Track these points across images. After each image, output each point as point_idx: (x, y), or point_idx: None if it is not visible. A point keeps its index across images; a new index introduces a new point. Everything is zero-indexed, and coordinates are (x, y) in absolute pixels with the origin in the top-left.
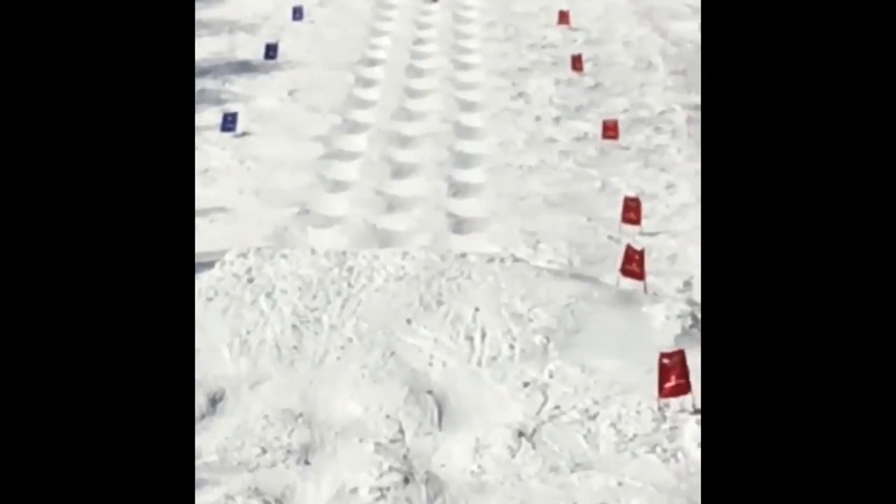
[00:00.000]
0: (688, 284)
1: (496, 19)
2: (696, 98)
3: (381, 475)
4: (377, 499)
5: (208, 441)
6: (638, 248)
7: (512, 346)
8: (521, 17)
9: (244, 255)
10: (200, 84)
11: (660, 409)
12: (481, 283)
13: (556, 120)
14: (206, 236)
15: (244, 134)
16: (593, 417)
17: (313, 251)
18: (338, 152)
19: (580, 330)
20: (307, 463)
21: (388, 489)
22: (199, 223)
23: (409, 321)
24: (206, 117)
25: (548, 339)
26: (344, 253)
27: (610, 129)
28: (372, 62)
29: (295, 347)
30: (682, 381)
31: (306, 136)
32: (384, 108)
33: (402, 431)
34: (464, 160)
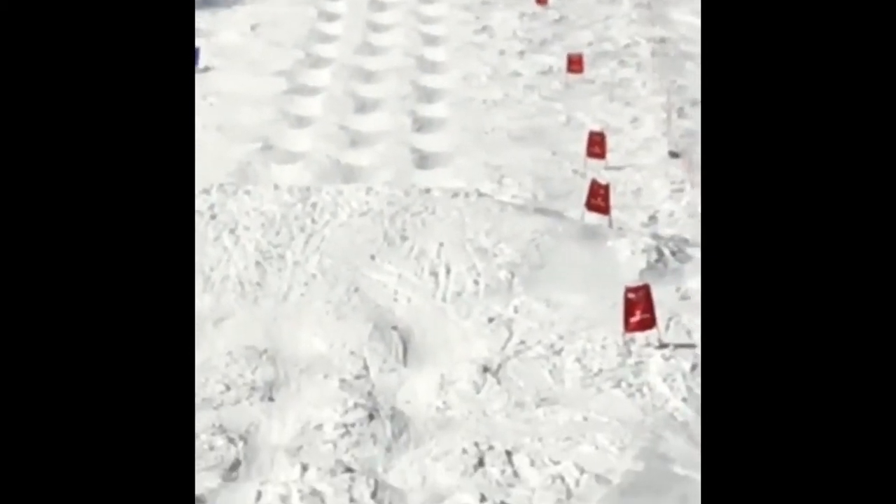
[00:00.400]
0: (653, 218)
1: None
2: (661, 31)
3: (345, 411)
4: (342, 435)
5: None
6: (603, 182)
7: (476, 282)
8: None
9: (207, 192)
10: None
11: (625, 343)
12: (445, 218)
13: (521, 54)
14: None
15: (206, 69)
16: (558, 352)
17: (276, 187)
18: (301, 87)
19: (545, 265)
20: (271, 399)
21: (352, 425)
22: None
23: (373, 257)
24: None
25: (512, 274)
26: (307, 188)
27: (574, 63)
28: None
29: (258, 284)
30: (647, 315)
31: (269, 71)
32: (347, 42)
33: (366, 367)
34: (427, 95)
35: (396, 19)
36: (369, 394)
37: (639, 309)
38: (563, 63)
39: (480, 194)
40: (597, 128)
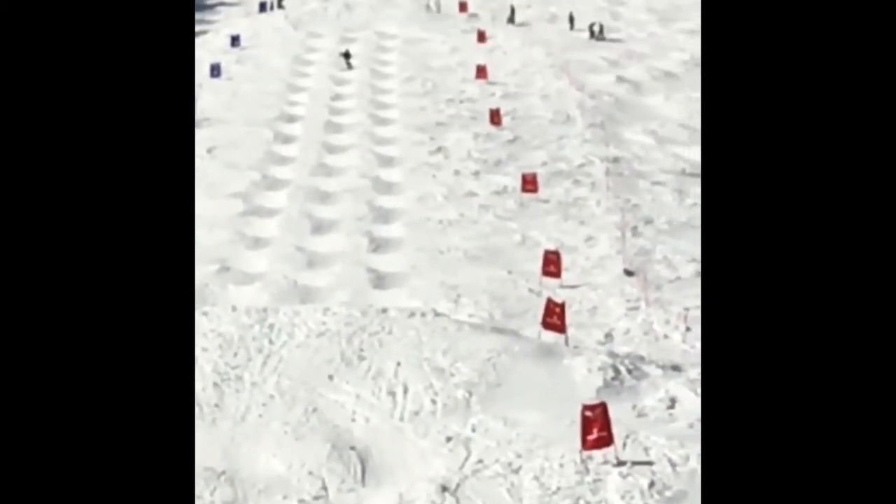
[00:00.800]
0: (608, 336)
1: (414, 74)
2: (614, 151)
3: None
4: None
5: None
6: (558, 300)
7: (434, 401)
8: (439, 71)
9: None
10: None
11: (583, 461)
12: (402, 337)
13: (476, 174)
14: None
15: None
16: (516, 471)
17: (234, 308)
18: (257, 209)
19: (502, 383)
20: None
21: None
22: None
23: (330, 377)
24: None
25: (470, 392)
26: (265, 309)
27: (529, 183)
28: (290, 118)
29: (216, 405)
30: (604, 433)
31: (225, 192)
32: (303, 164)
33: (325, 488)
34: (383, 215)
35: (352, 141)
36: None
37: (596, 427)
38: (518, 183)
39: (437, 314)
40: (552, 247)
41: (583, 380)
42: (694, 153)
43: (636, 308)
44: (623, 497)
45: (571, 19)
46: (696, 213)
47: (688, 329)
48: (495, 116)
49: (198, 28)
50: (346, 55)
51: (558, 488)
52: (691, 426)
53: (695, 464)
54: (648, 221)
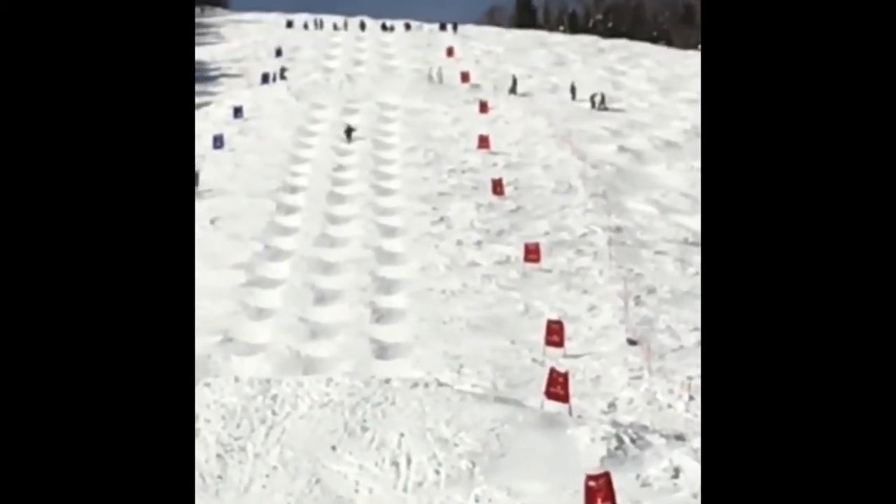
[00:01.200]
0: (612, 406)
1: (416, 144)
2: (617, 220)
3: None
4: None
5: None
6: (562, 370)
7: (438, 471)
8: (441, 141)
9: None
10: None
11: None
12: (406, 408)
13: (478, 244)
14: None
15: None
16: None
17: (237, 379)
18: (260, 279)
19: (506, 453)
20: None
21: None
22: None
23: (334, 448)
24: None
25: (473, 463)
26: (268, 380)
27: (532, 253)
28: (293, 189)
29: (220, 476)
30: (608, 502)
31: (228, 263)
32: (306, 234)
33: None
34: (386, 286)
35: (354, 211)
36: None
37: (600, 497)
38: (521, 253)
39: (440, 384)
40: (555, 316)
41: (586, 449)
42: (696, 222)
43: (639, 377)
44: None
45: (573, 89)
46: (698, 282)
47: (691, 398)
48: (498, 186)
49: (200, 99)
50: (349, 131)
51: None
52: (695, 496)
53: None
54: (651, 291)
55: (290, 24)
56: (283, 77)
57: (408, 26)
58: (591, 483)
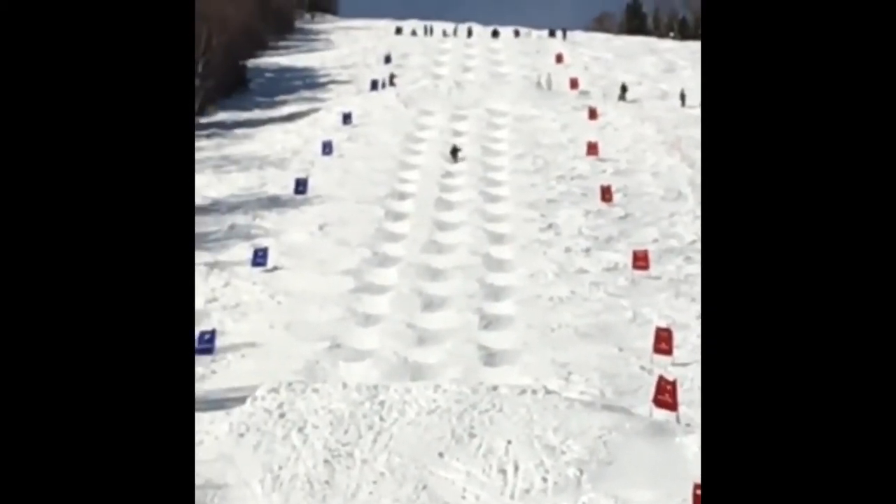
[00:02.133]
0: None
1: (525, 151)
2: None
3: None
4: None
5: None
6: (670, 378)
7: (545, 479)
8: (550, 148)
9: (275, 391)
10: (231, 220)
11: None
12: (513, 415)
13: (587, 251)
14: (238, 371)
15: (275, 269)
16: None
17: (345, 385)
18: (368, 285)
19: (613, 461)
20: None
21: None
22: (231, 358)
23: (441, 454)
24: (236, 253)
25: (581, 471)
26: (375, 386)
27: (640, 260)
28: (401, 196)
29: (327, 482)
30: None
31: (336, 269)
32: (414, 241)
33: None
34: (494, 292)
35: (462, 218)
36: None
37: None
38: (629, 260)
39: (548, 391)
40: (663, 324)
41: (695, 458)
42: None
43: None
44: None
45: (683, 96)
46: None
47: None
48: (606, 193)
49: (309, 106)
50: (454, 151)
51: None
52: None
53: None
54: None
55: (399, 31)
56: (392, 83)
57: (517, 33)
58: (700, 492)
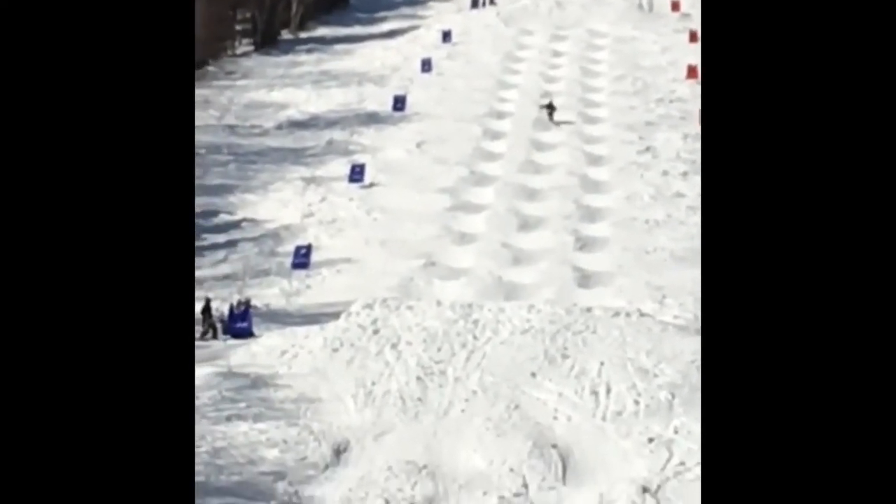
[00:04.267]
0: None
1: (624, 73)
2: None
3: None
4: None
5: (332, 492)
6: None
7: (637, 402)
8: (650, 70)
9: (370, 306)
10: (329, 135)
11: None
12: (606, 337)
13: (684, 175)
14: (333, 286)
15: (371, 185)
16: None
17: (439, 303)
18: (464, 204)
19: None
20: None
21: None
22: (326, 273)
23: (533, 374)
24: (333, 168)
25: (673, 394)
26: (469, 305)
27: None
28: (500, 115)
29: (419, 399)
30: None
31: (433, 187)
32: (511, 160)
33: (525, 485)
34: (590, 214)
35: (560, 139)
36: None
37: None
38: None
39: (642, 314)
40: None
41: None
42: None
43: None
44: None
45: None
46: None
47: None
48: None
49: (409, 23)
50: (549, 107)
51: None
52: None
53: None
54: None
55: None
56: (492, 2)
57: None
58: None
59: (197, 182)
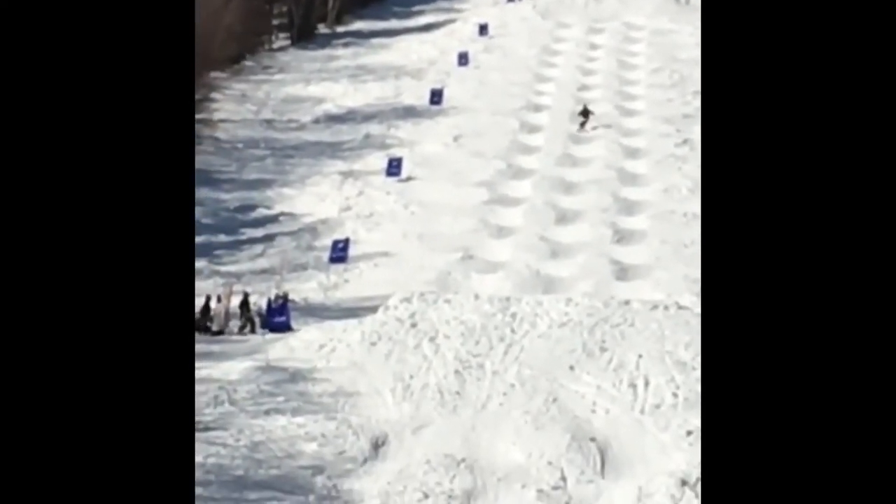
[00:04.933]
0: None
1: (662, 65)
2: None
3: None
4: None
5: (371, 485)
6: None
7: (675, 395)
8: (687, 63)
9: (408, 300)
10: (366, 129)
11: None
12: (644, 330)
13: None
14: (370, 280)
15: (409, 179)
16: None
17: (476, 296)
18: (502, 198)
19: None
20: None
21: None
22: (364, 267)
23: (571, 368)
24: (371, 162)
25: None
26: (507, 298)
27: None
28: (537, 108)
29: (457, 393)
30: None
31: (470, 181)
32: (548, 153)
33: (564, 478)
34: (628, 207)
35: (597, 131)
36: None
37: None
38: None
39: (680, 307)
40: None
41: None
42: None
43: None
44: None
45: None
46: None
47: None
48: None
49: (446, 16)
50: (585, 113)
51: None
52: None
53: None
54: None
55: None
56: None
57: None
58: None
59: (234, 176)
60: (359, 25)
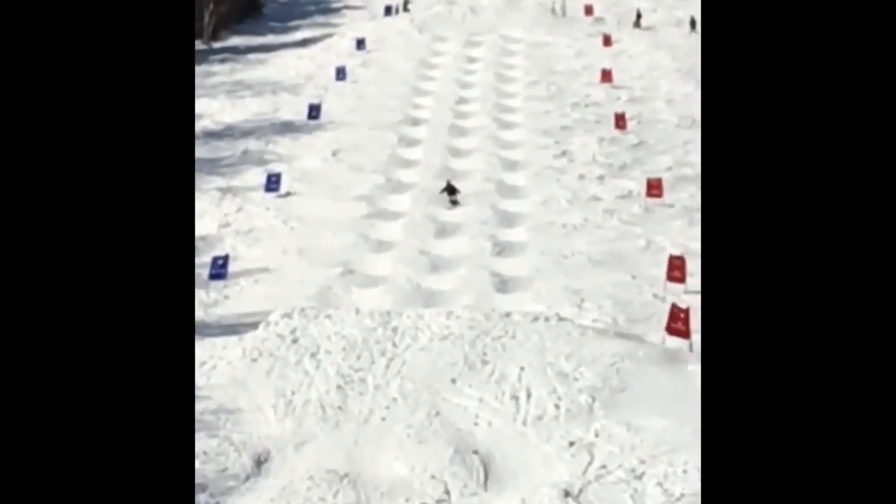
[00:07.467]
0: None
1: (539, 78)
2: None
3: None
4: None
5: (254, 502)
6: (683, 306)
7: (557, 406)
8: (564, 75)
9: (288, 316)
10: (244, 145)
11: None
12: (526, 342)
13: (600, 178)
14: (251, 296)
15: (288, 194)
16: (640, 477)
17: (357, 311)
18: (381, 212)
19: (625, 389)
20: None
21: None
22: (244, 283)
23: (453, 381)
24: (249, 178)
25: (593, 398)
26: (388, 312)
27: (654, 188)
28: (415, 122)
29: (340, 408)
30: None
31: (350, 195)
32: (427, 167)
33: (447, 492)
34: (507, 219)
35: (476, 144)
36: None
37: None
38: (643, 187)
39: (560, 318)
40: (676, 252)
41: None
42: None
43: None
44: None
45: (693, 23)
46: None
47: None
48: (620, 120)
49: (323, 31)
50: (451, 190)
51: (682, 494)
52: None
53: None
54: None
55: None
56: (406, 9)
57: None
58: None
59: None
60: (235, 41)
